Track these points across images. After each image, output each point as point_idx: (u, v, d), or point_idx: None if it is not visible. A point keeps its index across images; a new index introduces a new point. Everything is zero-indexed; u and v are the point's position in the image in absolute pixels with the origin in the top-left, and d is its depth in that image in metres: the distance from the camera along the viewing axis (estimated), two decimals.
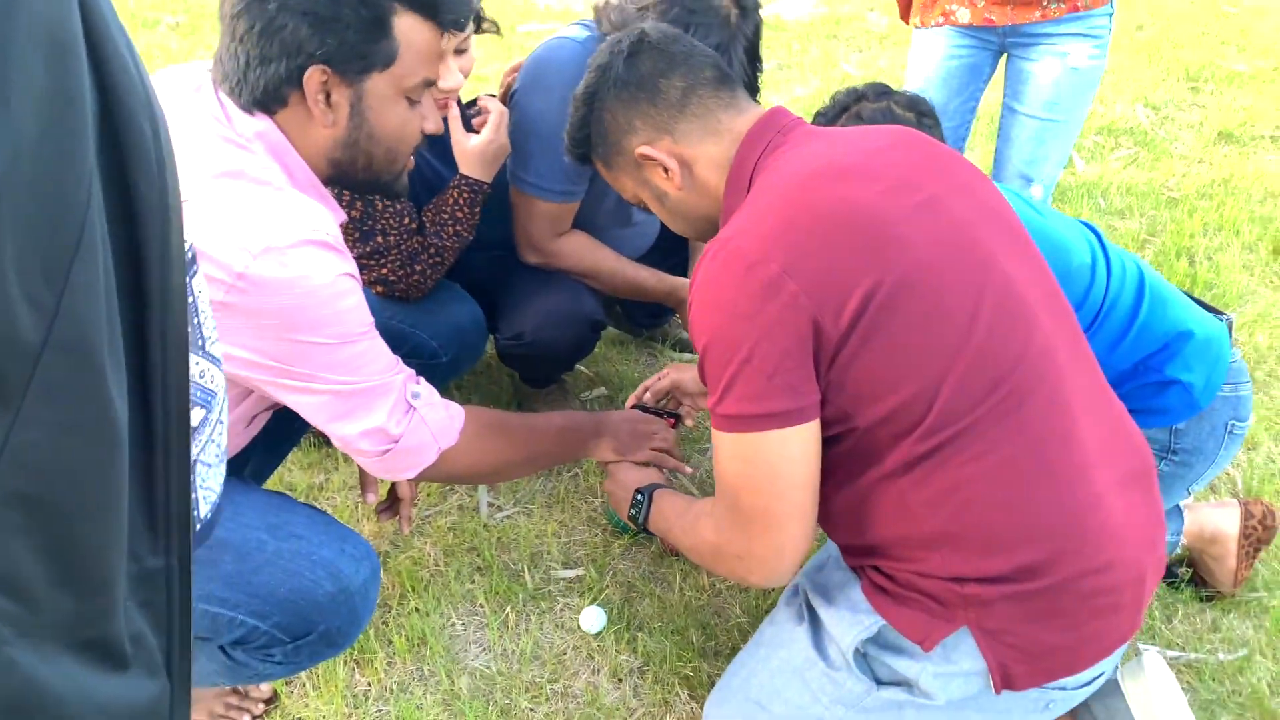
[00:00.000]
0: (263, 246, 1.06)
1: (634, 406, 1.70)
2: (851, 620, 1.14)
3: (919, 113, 1.68)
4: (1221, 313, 1.73)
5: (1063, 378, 1.08)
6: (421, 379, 1.27)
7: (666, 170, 1.23)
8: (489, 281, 2.01)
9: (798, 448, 1.06)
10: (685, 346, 2.46)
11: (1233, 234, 3.10)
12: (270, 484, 1.86)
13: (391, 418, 1.20)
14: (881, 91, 1.71)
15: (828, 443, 1.09)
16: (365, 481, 1.50)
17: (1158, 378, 1.60)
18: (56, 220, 0.35)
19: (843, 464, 1.10)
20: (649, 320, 2.44)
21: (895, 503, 1.07)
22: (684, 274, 2.13)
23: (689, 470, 1.66)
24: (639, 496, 1.43)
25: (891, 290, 1.02)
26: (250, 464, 1.57)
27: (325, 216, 1.14)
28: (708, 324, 1.07)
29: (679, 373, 1.69)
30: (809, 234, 1.04)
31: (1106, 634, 1.09)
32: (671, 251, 2.16)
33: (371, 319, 1.20)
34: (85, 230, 0.37)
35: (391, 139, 1.23)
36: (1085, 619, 1.07)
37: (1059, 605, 1.06)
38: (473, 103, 1.94)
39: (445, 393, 2.23)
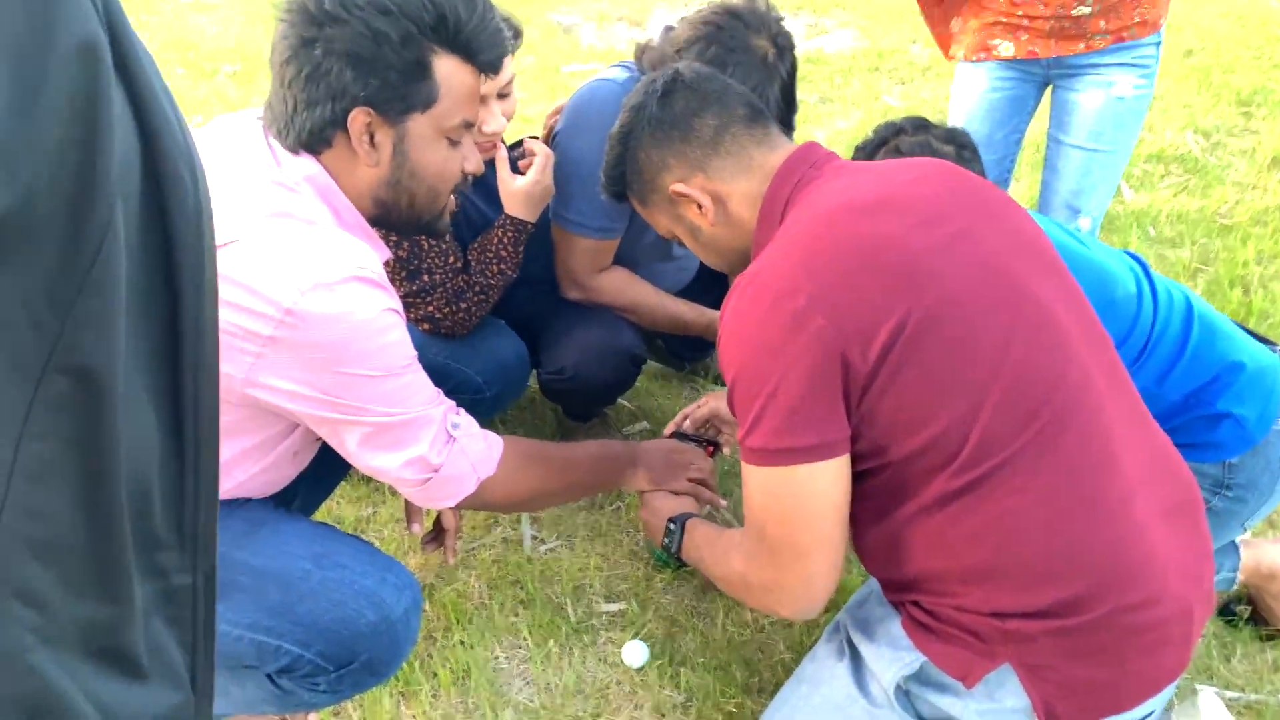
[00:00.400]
0: (312, 283, 1.10)
1: (673, 434, 1.72)
2: (892, 656, 1.13)
3: (958, 145, 1.69)
4: (1274, 344, 1.69)
5: (1101, 406, 1.07)
6: (462, 410, 1.30)
7: (700, 206, 1.25)
8: (532, 317, 2.04)
9: (825, 483, 1.06)
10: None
11: None
12: (318, 517, 1.89)
13: (433, 448, 1.23)
14: (920, 125, 1.72)
15: (861, 476, 1.09)
16: (411, 512, 1.53)
17: (1209, 410, 1.57)
18: (68, 247, 0.38)
19: (878, 497, 1.10)
20: (691, 354, 2.45)
21: (933, 537, 1.07)
22: (719, 307, 2.15)
23: (723, 503, 1.66)
24: (671, 526, 1.44)
25: (921, 322, 1.03)
26: (298, 497, 1.61)
27: (370, 255, 1.18)
28: (736, 356, 1.08)
29: (718, 400, 1.70)
30: (836, 267, 1.05)
31: (1153, 670, 1.07)
32: (712, 286, 2.18)
33: (414, 353, 1.23)
34: (100, 259, 0.39)
35: (433, 178, 1.27)
36: (1130, 655, 1.05)
37: (1102, 641, 1.04)
38: (518, 144, 1.99)
39: (489, 427, 2.28)
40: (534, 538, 1.96)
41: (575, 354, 1.92)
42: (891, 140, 1.70)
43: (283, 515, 1.35)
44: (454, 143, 1.26)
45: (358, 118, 1.17)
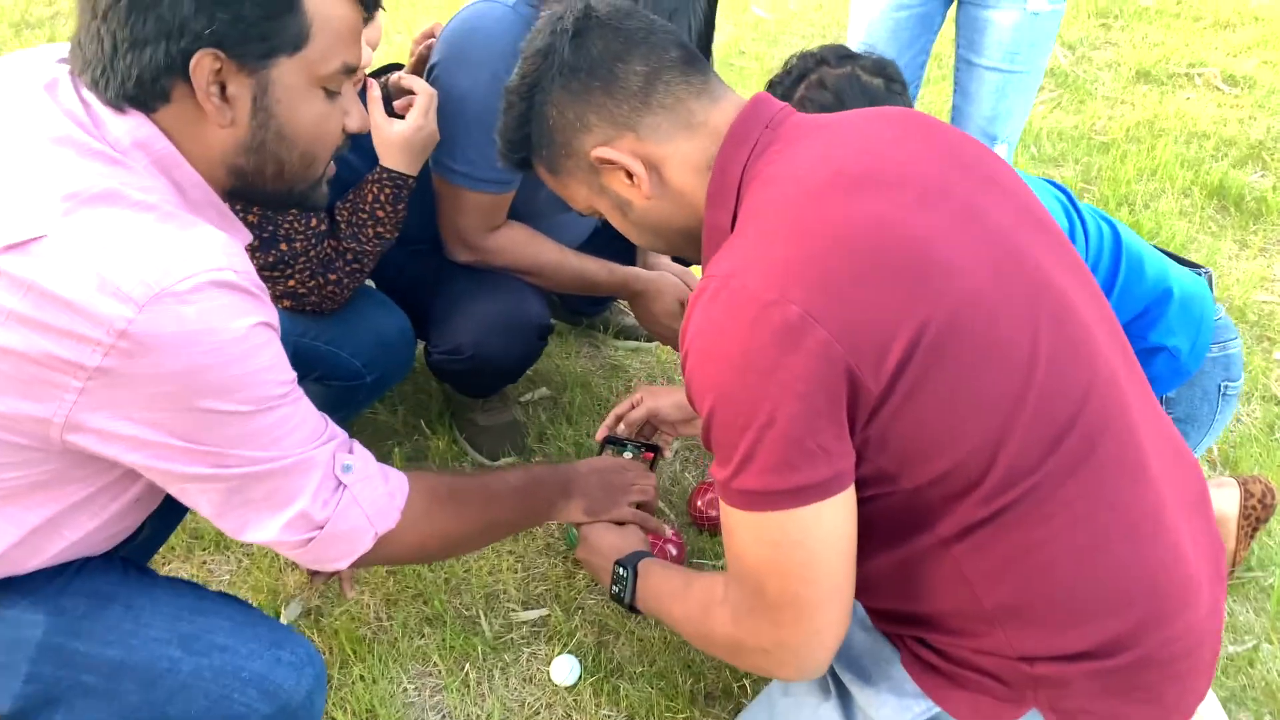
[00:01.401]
0: (152, 292, 0.82)
1: (605, 439, 1.50)
2: (898, 705, 0.98)
3: (887, 78, 1.50)
4: (1199, 266, 1.63)
5: (1128, 406, 0.93)
6: (355, 445, 1.03)
7: (630, 175, 1.01)
8: (413, 283, 1.75)
9: (833, 522, 0.88)
10: (630, 334, 2.25)
11: (1167, 179, 3.05)
12: (174, 534, 1.58)
13: (317, 499, 0.97)
14: (843, 55, 1.52)
15: (863, 503, 0.91)
16: None
17: (1141, 345, 1.51)
18: None
19: (881, 525, 0.93)
20: (589, 307, 2.22)
21: (948, 572, 0.91)
22: (631, 261, 1.92)
23: (670, 533, 1.47)
24: (621, 570, 1.23)
25: (941, 330, 0.84)
26: (146, 527, 1.29)
27: (230, 247, 0.90)
28: (713, 380, 0.87)
29: (654, 399, 1.49)
30: (834, 265, 0.85)
31: (1190, 695, 0.96)
32: (615, 237, 1.93)
33: (293, 375, 0.96)
34: None
35: (306, 139, 0.98)
36: (1168, 686, 0.93)
37: (1143, 678, 0.91)
38: (382, 73, 1.66)
39: (366, 415, 2.00)
40: None
41: (473, 330, 1.65)
42: (813, 73, 1.49)
43: (134, 581, 1.06)
44: (331, 94, 0.98)
45: (203, 62, 0.88)
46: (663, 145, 1.00)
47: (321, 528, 0.98)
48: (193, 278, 0.84)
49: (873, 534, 0.93)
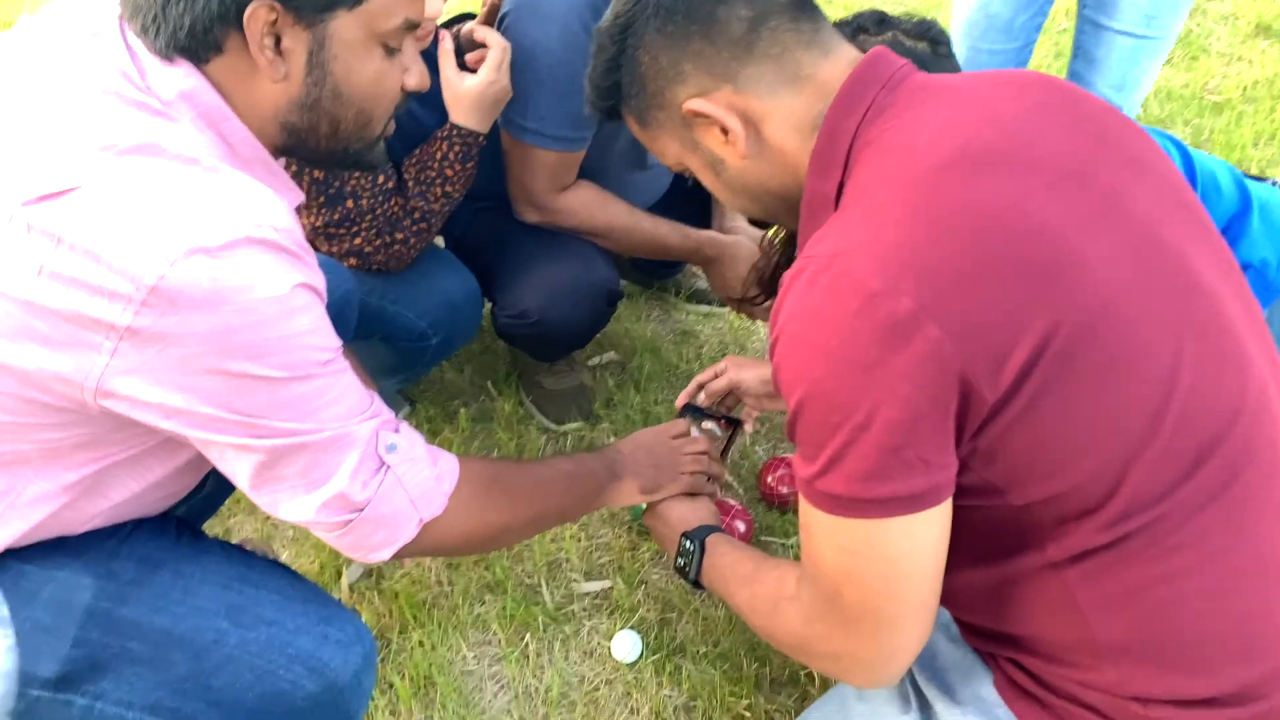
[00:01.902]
0: (186, 247, 0.77)
1: (684, 407, 1.43)
2: None
3: (932, 40, 1.37)
4: (1267, 179, 1.49)
5: (1277, 423, 0.82)
6: (403, 425, 0.98)
7: (725, 131, 0.92)
8: (480, 242, 1.70)
9: (922, 538, 0.80)
10: (702, 297, 2.18)
11: None
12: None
13: (356, 478, 0.92)
14: (880, 20, 1.40)
15: (962, 511, 0.83)
16: None
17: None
18: None
19: (982, 538, 0.84)
20: (661, 269, 2.15)
21: (1057, 597, 0.82)
22: (706, 224, 1.84)
23: (725, 476, 1.40)
24: (688, 544, 1.17)
25: (1072, 335, 0.74)
26: (207, 484, 1.28)
27: (274, 204, 0.85)
28: (806, 372, 0.78)
29: (739, 370, 1.41)
30: (953, 254, 0.75)
31: None
32: (691, 196, 1.85)
33: (337, 344, 0.91)
34: None
35: (363, 98, 0.93)
36: None
37: None
38: (453, 23, 1.60)
39: (430, 376, 1.97)
40: None
41: (540, 294, 1.59)
42: (854, 43, 1.37)
43: (185, 547, 1.03)
44: (391, 50, 0.93)
45: (258, 14, 0.83)
46: (764, 100, 0.90)
47: (361, 510, 0.93)
48: (228, 233, 0.79)
49: (971, 546, 0.85)
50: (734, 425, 1.44)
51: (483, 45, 1.45)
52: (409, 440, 0.97)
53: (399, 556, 0.98)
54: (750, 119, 0.92)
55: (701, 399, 1.45)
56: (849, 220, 0.82)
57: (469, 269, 1.66)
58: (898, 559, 0.80)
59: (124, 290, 0.77)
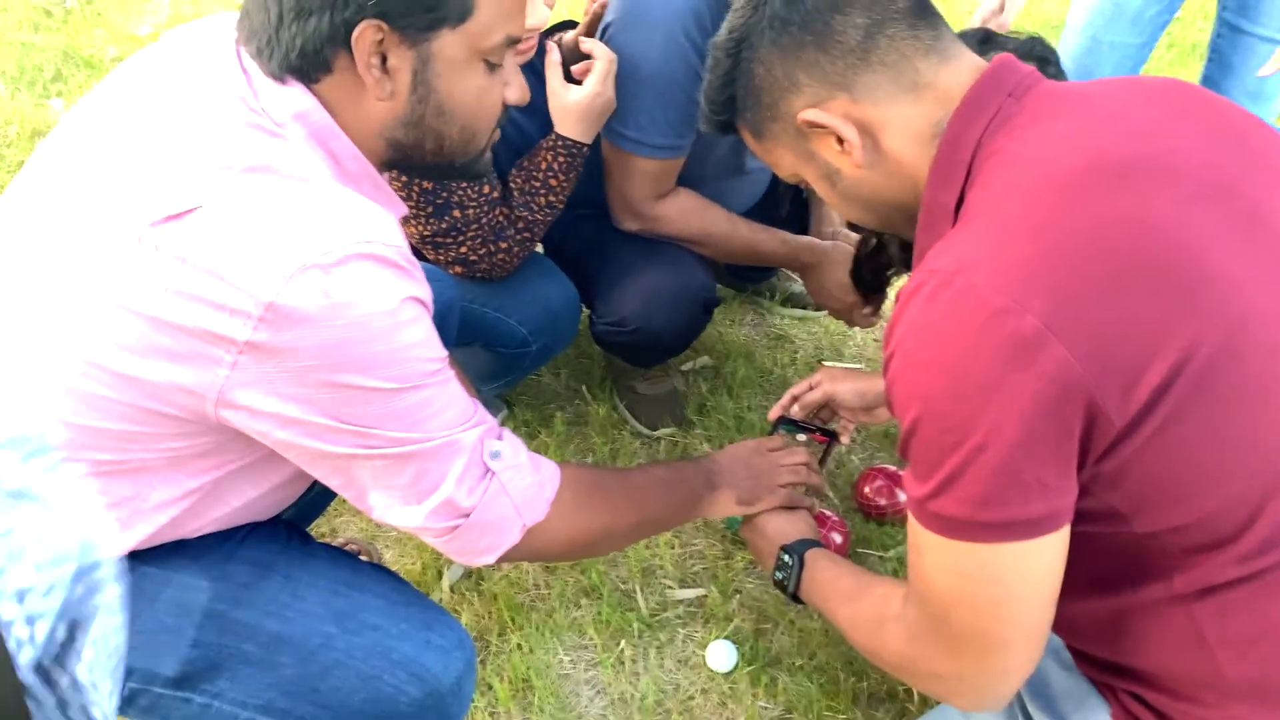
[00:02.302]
0: (300, 264, 0.80)
1: (778, 420, 1.43)
2: None
3: (1040, 60, 1.32)
4: None
5: None
6: (506, 432, 1.00)
7: (841, 141, 0.91)
8: (580, 249, 1.72)
9: (1038, 564, 0.78)
10: (797, 301, 2.16)
11: None
12: None
13: (462, 485, 0.94)
14: (984, 38, 1.35)
15: (1082, 538, 0.80)
16: None
17: None
18: None
19: (1102, 566, 0.82)
20: (755, 273, 2.14)
21: (1183, 632, 0.79)
22: (804, 229, 1.82)
23: (828, 493, 1.38)
24: (787, 559, 1.17)
25: (1211, 357, 0.72)
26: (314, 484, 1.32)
27: (384, 219, 0.87)
28: (923, 390, 0.77)
29: (833, 382, 1.40)
30: (1084, 271, 0.73)
31: None
32: (783, 199, 1.84)
33: (443, 354, 0.93)
34: None
35: (466, 114, 0.95)
36: None
37: None
38: (554, 31, 1.62)
39: (530, 381, 2.00)
40: None
41: (638, 302, 1.60)
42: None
43: (294, 551, 1.07)
44: (493, 66, 0.94)
45: (366, 33, 0.85)
46: (881, 108, 0.89)
47: (467, 515, 0.95)
48: (340, 249, 0.82)
49: (1091, 573, 0.83)
50: (830, 438, 1.42)
51: (588, 56, 1.46)
52: (512, 447, 0.98)
53: (503, 561, 1.00)
54: (867, 128, 0.90)
55: (795, 411, 1.44)
56: (973, 234, 0.80)
57: (568, 276, 1.68)
58: (1011, 584, 0.78)
59: (244, 306, 0.80)
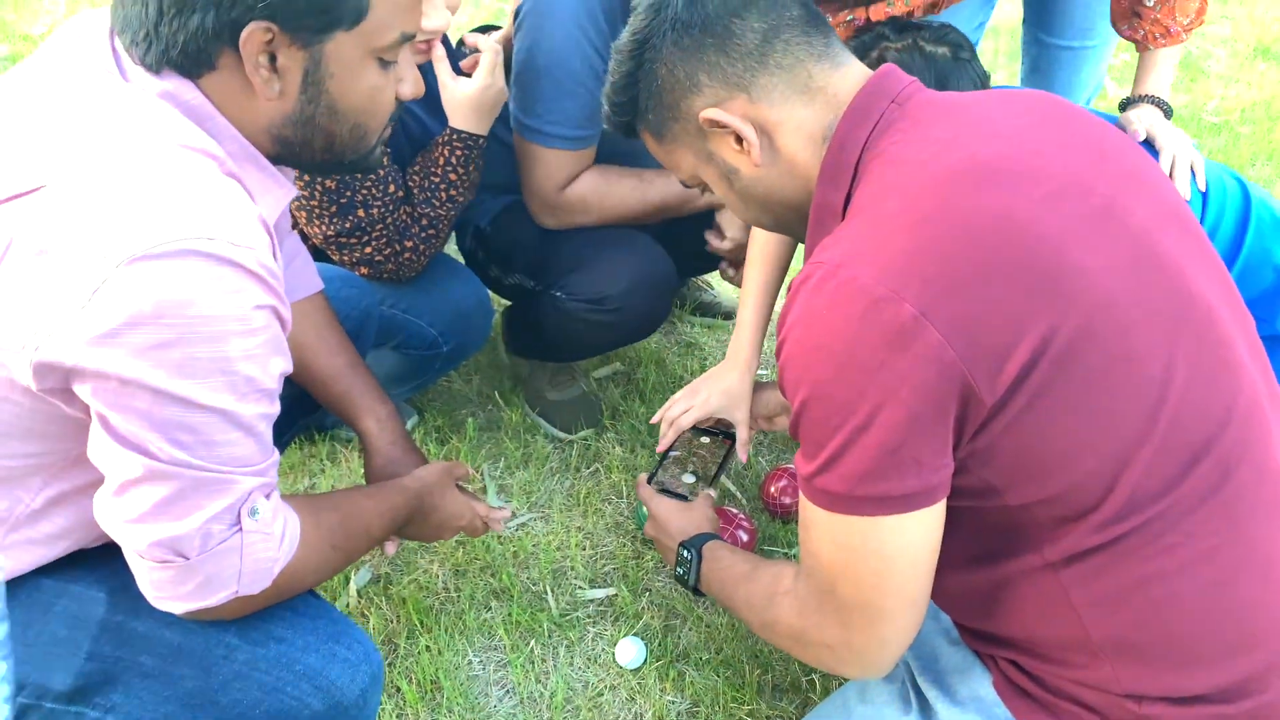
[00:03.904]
0: (129, 254, 0.76)
1: (674, 442, 1.45)
2: None
3: (952, 45, 1.40)
4: None
5: (1269, 433, 0.85)
6: (276, 495, 0.92)
7: (740, 141, 0.95)
8: (523, 235, 1.71)
9: (918, 535, 0.83)
10: (707, 310, 2.21)
11: None
12: None
13: (205, 527, 0.84)
14: (901, 27, 1.43)
15: (959, 512, 0.85)
16: None
17: (1268, 331, 1.32)
18: None
19: (978, 538, 0.87)
20: None
21: (1053, 597, 0.85)
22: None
23: (741, 518, 1.44)
24: (686, 553, 1.20)
25: (1070, 339, 0.77)
26: None
27: (244, 210, 0.83)
28: (810, 373, 0.81)
29: (709, 403, 1.47)
30: (955, 262, 0.78)
31: None
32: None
33: (273, 387, 0.86)
34: None
35: (359, 113, 0.93)
36: None
37: None
38: (461, 43, 1.64)
39: (442, 384, 1.99)
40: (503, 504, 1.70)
41: (622, 281, 1.60)
42: (873, 49, 1.40)
43: None
44: (386, 63, 0.93)
45: (255, 35, 0.82)
46: (777, 109, 0.93)
47: (187, 559, 0.85)
48: (178, 238, 0.77)
49: (967, 547, 0.88)
50: (732, 440, 1.46)
51: (476, 50, 1.49)
52: (273, 511, 0.90)
53: (187, 615, 0.91)
54: (764, 128, 0.94)
55: (686, 420, 1.47)
56: (856, 228, 0.84)
57: (514, 261, 1.68)
58: (890, 555, 0.83)
59: (75, 290, 0.76)
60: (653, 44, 0.96)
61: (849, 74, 0.94)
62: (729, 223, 1.72)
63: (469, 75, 1.49)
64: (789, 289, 0.87)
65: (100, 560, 0.98)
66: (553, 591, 1.57)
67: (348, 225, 1.48)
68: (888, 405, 0.77)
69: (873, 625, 0.87)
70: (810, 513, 0.86)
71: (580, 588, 1.58)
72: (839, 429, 0.80)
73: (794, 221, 1.01)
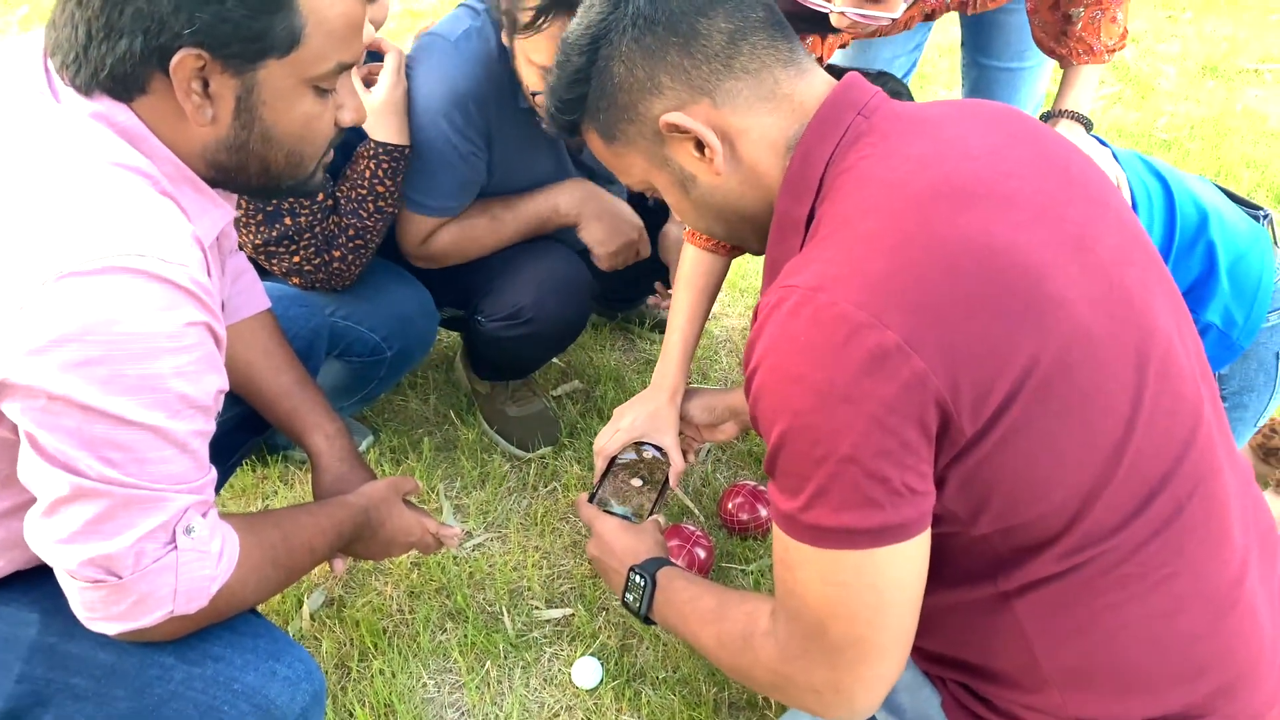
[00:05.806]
0: (57, 271, 0.76)
1: (611, 461, 1.41)
2: None
3: (891, 94, 1.41)
4: (1258, 208, 1.48)
5: (1218, 463, 0.85)
6: (211, 510, 0.91)
7: (701, 147, 0.90)
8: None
9: (910, 565, 0.80)
10: (665, 327, 2.21)
11: (1231, 180, 2.93)
12: None
13: (135, 549, 0.83)
14: (839, 74, 1.44)
15: None
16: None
17: (1196, 322, 1.38)
18: None
19: (936, 566, 0.85)
20: (623, 303, 2.18)
21: (1006, 627, 0.84)
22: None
23: (698, 535, 1.41)
24: (638, 579, 1.14)
25: (1048, 371, 0.76)
26: None
27: (176, 227, 0.82)
28: (790, 404, 0.78)
29: (636, 427, 1.41)
30: (939, 288, 0.76)
31: None
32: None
33: (208, 404, 0.85)
34: None
35: (293, 140, 0.91)
36: None
37: None
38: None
39: (394, 393, 1.98)
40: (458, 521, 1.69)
41: (532, 290, 1.63)
42: None
43: None
44: (323, 91, 0.91)
45: (185, 61, 0.81)
46: (740, 115, 0.89)
47: (120, 578, 0.84)
48: (105, 255, 0.76)
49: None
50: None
51: (379, 53, 1.50)
52: (210, 530, 0.89)
53: (122, 636, 0.90)
54: (726, 135, 0.90)
55: (606, 459, 1.41)
56: (831, 250, 0.81)
57: (442, 295, 1.70)
58: (885, 588, 0.80)
59: (0, 309, 0.76)
60: (610, 39, 0.89)
61: (814, 82, 0.91)
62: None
63: (373, 83, 1.50)
64: (755, 312, 0.84)
65: (34, 582, 0.97)
66: (509, 612, 1.55)
67: (274, 233, 1.47)
68: (874, 434, 0.75)
69: (866, 664, 0.83)
70: (794, 552, 0.82)
71: (537, 608, 1.57)
72: (823, 461, 0.77)
73: (748, 232, 0.98)
